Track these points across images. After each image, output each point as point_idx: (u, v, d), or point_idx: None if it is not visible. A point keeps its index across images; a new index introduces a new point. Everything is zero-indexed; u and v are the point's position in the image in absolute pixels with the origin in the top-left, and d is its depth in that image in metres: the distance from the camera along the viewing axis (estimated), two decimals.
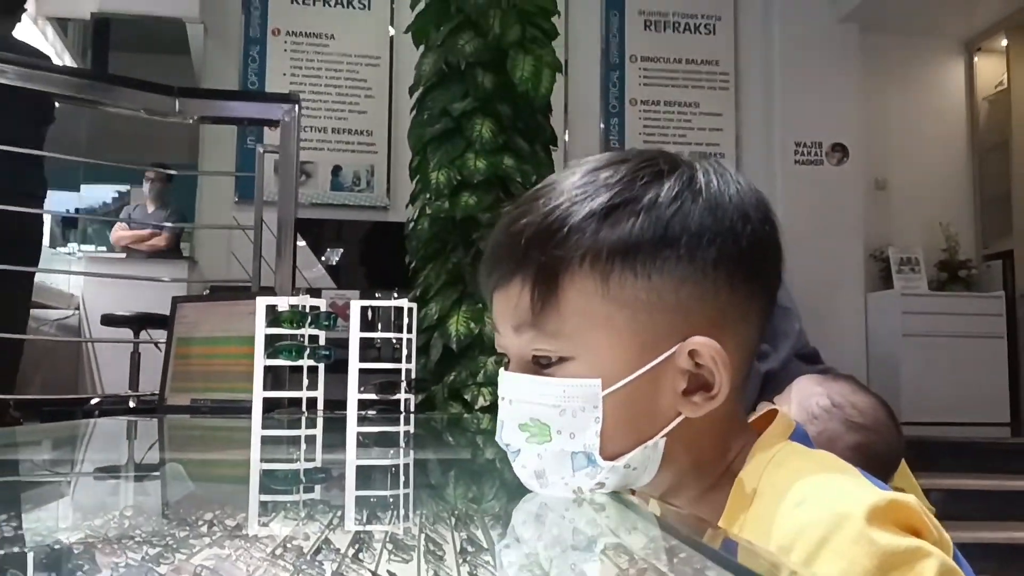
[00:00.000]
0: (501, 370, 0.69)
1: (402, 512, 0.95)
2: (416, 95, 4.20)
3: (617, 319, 0.64)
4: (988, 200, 6.42)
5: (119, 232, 5.48)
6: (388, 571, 0.61)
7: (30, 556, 0.71)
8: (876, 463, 1.07)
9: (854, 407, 1.08)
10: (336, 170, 5.93)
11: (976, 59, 6.55)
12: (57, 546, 0.71)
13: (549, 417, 0.64)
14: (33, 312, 4.10)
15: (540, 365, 0.66)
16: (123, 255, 5.36)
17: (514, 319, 0.66)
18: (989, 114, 6.50)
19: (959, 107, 6.55)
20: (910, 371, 5.47)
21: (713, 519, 0.66)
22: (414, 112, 4.23)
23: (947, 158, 6.43)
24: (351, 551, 0.68)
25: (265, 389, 1.82)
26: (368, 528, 0.83)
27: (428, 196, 3.95)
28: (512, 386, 0.67)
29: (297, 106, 3.74)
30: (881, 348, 5.77)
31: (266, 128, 4.91)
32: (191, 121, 4.13)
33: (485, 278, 0.69)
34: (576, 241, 0.64)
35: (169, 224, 5.38)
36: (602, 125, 6.21)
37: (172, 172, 5.55)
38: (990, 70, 6.51)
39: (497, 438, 0.69)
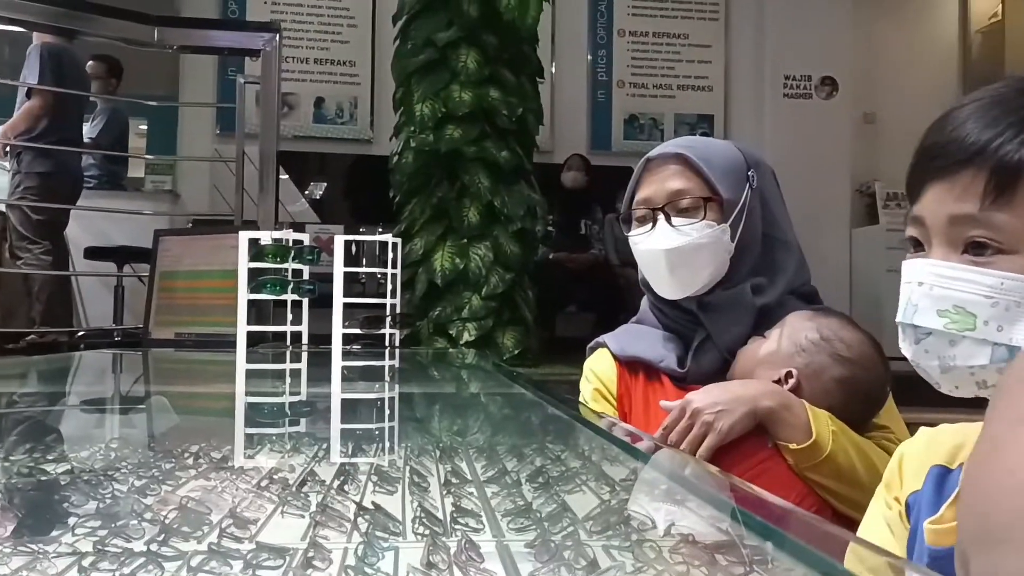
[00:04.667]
0: (913, 259, 0.70)
1: (387, 445, 0.97)
2: (399, 24, 4.10)
3: None
4: None
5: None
6: (373, 502, 0.61)
7: (18, 487, 0.72)
8: (861, 398, 1.08)
9: (842, 341, 1.08)
10: (319, 102, 5.82)
11: None
12: (44, 477, 0.72)
13: (978, 307, 0.65)
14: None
15: (974, 255, 0.66)
16: (102, 189, 5.24)
17: (955, 208, 0.66)
18: (982, 46, 6.43)
19: (952, 39, 6.48)
20: (894, 307, 5.47)
21: None
22: (397, 42, 4.14)
23: (938, 92, 6.36)
24: (336, 483, 0.69)
25: (249, 323, 1.82)
26: (353, 460, 0.84)
27: (412, 129, 3.89)
28: (937, 272, 0.67)
29: (278, 35, 3.65)
30: (865, 283, 5.81)
31: (247, 59, 4.80)
32: (170, 51, 4.04)
33: (924, 166, 0.69)
34: None
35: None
36: (589, 56, 6.11)
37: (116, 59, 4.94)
38: (984, 1, 6.42)
39: (902, 319, 0.71)
